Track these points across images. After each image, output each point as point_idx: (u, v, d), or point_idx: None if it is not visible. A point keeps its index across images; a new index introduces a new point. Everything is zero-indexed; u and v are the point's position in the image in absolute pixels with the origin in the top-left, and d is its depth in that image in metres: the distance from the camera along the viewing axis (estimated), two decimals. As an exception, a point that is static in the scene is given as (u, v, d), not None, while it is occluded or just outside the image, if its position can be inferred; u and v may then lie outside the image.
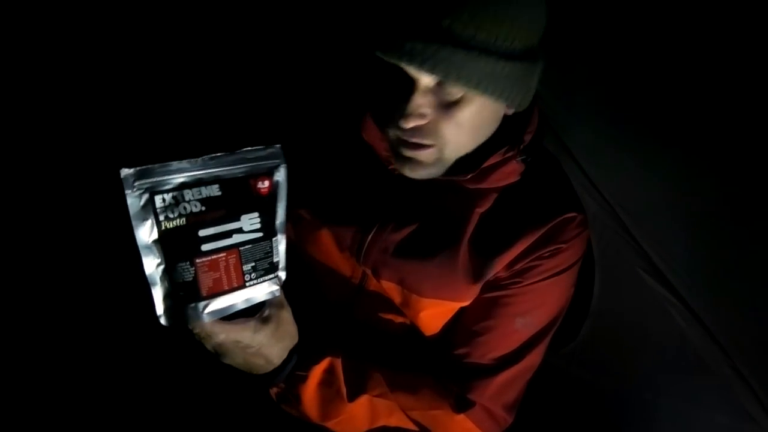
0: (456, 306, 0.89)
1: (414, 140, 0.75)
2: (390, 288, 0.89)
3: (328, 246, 0.92)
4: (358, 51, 0.94)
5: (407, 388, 0.86)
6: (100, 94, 1.39)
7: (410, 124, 0.73)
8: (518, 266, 0.86)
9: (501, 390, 0.87)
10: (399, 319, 0.93)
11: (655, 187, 0.82)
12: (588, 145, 0.87)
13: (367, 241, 0.88)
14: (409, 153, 0.78)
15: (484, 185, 0.85)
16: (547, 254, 0.85)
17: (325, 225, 0.91)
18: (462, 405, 0.86)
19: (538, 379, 0.92)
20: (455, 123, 0.75)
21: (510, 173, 0.85)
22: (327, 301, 0.96)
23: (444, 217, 0.87)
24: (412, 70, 0.70)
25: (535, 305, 0.87)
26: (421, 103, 0.72)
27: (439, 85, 0.72)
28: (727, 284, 0.79)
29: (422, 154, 0.77)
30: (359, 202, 0.90)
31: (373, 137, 0.86)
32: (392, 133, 0.78)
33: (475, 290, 0.87)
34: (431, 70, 0.68)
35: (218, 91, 1.32)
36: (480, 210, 0.86)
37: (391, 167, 0.86)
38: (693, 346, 0.85)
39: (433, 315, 0.90)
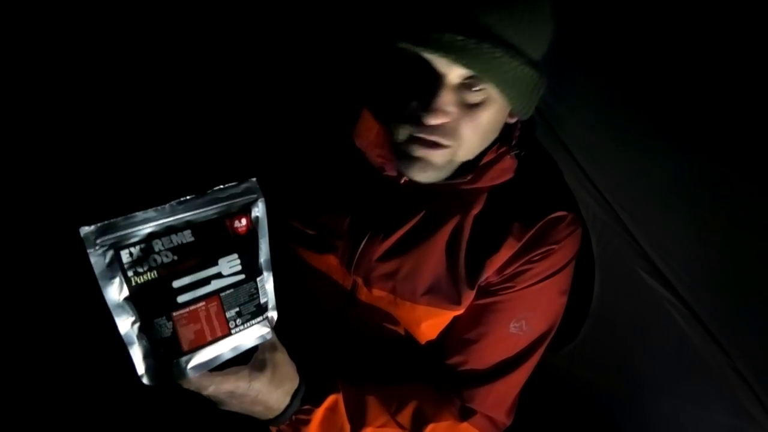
0: (451, 314, 0.88)
1: (433, 138, 0.73)
2: (382, 297, 0.88)
3: (318, 256, 0.90)
4: (359, 44, 0.90)
5: (409, 407, 0.84)
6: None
7: (436, 120, 0.71)
8: (509, 270, 0.85)
9: (501, 397, 0.87)
10: (392, 327, 0.91)
11: (655, 187, 0.82)
12: (588, 144, 0.86)
13: (358, 251, 0.87)
14: (421, 152, 0.75)
15: (478, 184, 0.83)
16: (537, 257, 0.84)
17: (316, 235, 0.89)
18: (464, 413, 0.85)
19: (538, 379, 0.92)
20: (475, 125, 0.74)
21: (505, 170, 0.84)
22: (318, 308, 0.94)
23: (437, 221, 0.86)
24: (443, 64, 0.68)
25: (529, 309, 0.86)
26: (448, 100, 0.71)
27: (463, 84, 0.71)
28: (727, 284, 0.79)
29: (435, 155, 0.75)
30: (350, 210, 0.88)
31: (366, 143, 0.84)
32: (404, 131, 0.75)
33: (470, 296, 0.86)
34: (469, 64, 0.67)
35: (205, 98, 1.28)
36: (474, 212, 0.85)
37: (385, 173, 0.84)
38: (693, 346, 0.85)
39: (429, 324, 0.89)
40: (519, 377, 0.88)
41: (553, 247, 0.84)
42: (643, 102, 0.80)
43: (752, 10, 0.70)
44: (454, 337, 0.89)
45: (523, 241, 0.84)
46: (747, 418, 0.83)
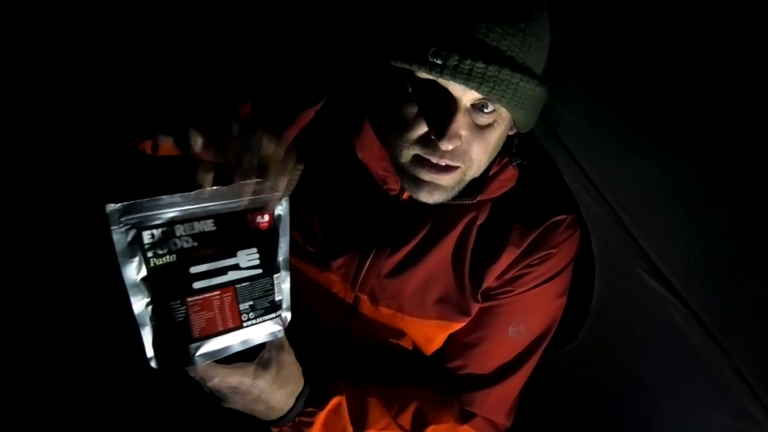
0: (459, 325, 0.87)
1: (443, 162, 0.73)
2: (389, 313, 0.87)
3: (319, 272, 0.89)
4: (364, 67, 0.88)
5: (410, 409, 0.84)
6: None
7: (451, 145, 0.70)
8: (508, 275, 0.85)
9: (500, 400, 0.87)
10: (395, 340, 0.91)
11: (655, 187, 0.82)
12: (588, 144, 0.86)
13: (364, 268, 0.85)
14: (429, 177, 0.74)
15: (483, 197, 0.83)
16: (536, 261, 0.84)
17: (317, 249, 0.88)
18: (464, 416, 0.85)
19: (538, 379, 0.92)
20: (485, 145, 0.74)
21: (508, 180, 0.84)
22: (319, 321, 0.93)
23: (443, 235, 0.85)
24: (458, 90, 0.68)
25: (528, 313, 0.86)
26: (462, 124, 0.71)
27: (474, 106, 0.71)
28: (727, 284, 0.79)
29: (445, 179, 0.75)
30: (352, 225, 0.86)
31: (369, 156, 0.83)
32: (409, 152, 0.74)
33: (476, 306, 0.86)
34: (489, 91, 0.67)
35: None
36: (479, 222, 0.85)
37: (386, 187, 0.84)
38: (693, 346, 0.85)
39: (435, 335, 0.89)
40: (518, 380, 0.88)
41: (551, 251, 0.84)
42: (643, 102, 0.80)
43: (748, 9, 0.70)
44: (454, 341, 0.89)
45: (523, 247, 0.84)
46: (747, 418, 0.83)
